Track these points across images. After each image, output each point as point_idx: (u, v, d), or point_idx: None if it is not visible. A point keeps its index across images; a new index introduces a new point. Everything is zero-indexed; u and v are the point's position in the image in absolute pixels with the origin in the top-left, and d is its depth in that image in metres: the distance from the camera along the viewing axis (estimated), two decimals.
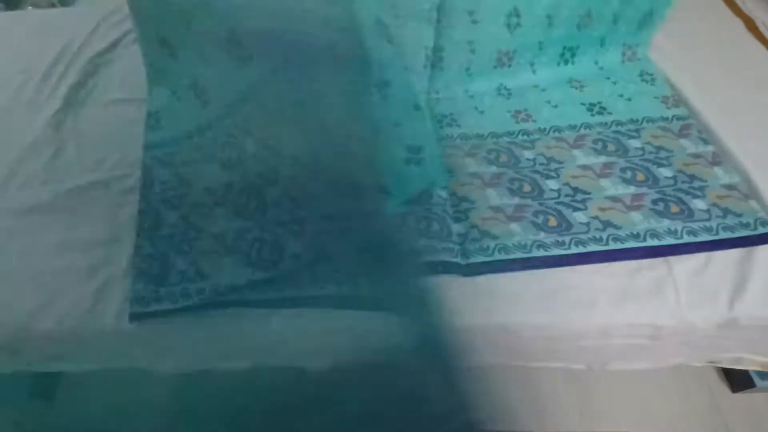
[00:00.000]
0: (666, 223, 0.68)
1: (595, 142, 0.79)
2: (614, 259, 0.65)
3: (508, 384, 1.05)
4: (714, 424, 0.97)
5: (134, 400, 0.99)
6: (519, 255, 0.65)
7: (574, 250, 0.66)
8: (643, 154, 0.77)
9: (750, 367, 0.83)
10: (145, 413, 0.98)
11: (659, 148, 0.77)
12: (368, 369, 0.70)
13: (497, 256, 0.65)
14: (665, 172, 0.74)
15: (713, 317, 0.63)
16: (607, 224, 0.68)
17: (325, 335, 0.66)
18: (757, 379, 0.95)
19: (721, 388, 1.02)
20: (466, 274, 0.64)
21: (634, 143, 0.79)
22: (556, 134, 0.81)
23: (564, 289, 0.64)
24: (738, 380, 1.00)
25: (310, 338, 0.66)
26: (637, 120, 0.82)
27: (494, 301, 0.63)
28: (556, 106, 0.85)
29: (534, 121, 0.83)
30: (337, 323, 0.63)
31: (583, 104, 0.85)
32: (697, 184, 0.72)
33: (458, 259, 0.66)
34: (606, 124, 0.82)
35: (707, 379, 1.03)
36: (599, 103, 0.85)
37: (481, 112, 0.85)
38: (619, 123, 0.82)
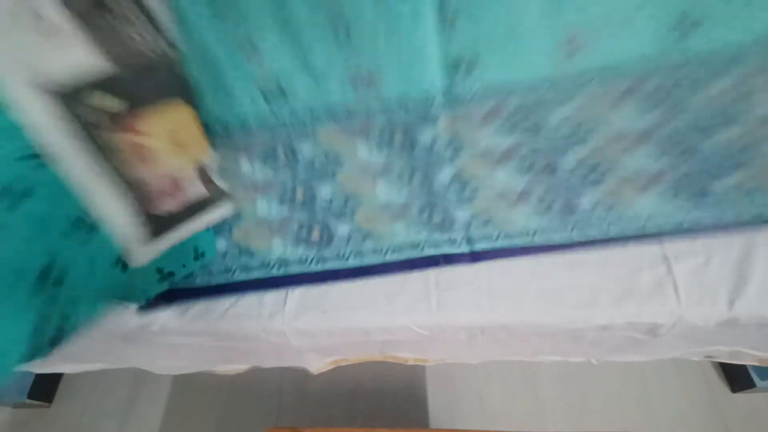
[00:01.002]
0: (671, 207, 0.64)
1: (657, 90, 0.56)
2: (616, 244, 0.64)
3: (508, 383, 1.06)
4: (714, 424, 0.98)
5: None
6: (522, 241, 0.64)
7: (576, 236, 0.64)
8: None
9: (748, 362, 0.82)
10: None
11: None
12: None
13: (501, 243, 0.64)
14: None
15: (713, 316, 0.63)
16: (610, 209, 0.64)
17: None
18: (757, 380, 0.95)
19: (721, 387, 1.02)
20: (468, 262, 0.64)
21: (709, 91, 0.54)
22: (607, 77, 0.57)
23: (564, 288, 0.64)
24: (738, 380, 1.00)
25: None
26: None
27: (494, 301, 0.63)
28: (624, 25, 0.54)
29: (586, 53, 0.57)
30: None
31: (671, 17, 0.52)
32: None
33: (462, 249, 0.64)
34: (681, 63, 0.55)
35: (707, 379, 1.03)
36: (691, 13, 0.52)
37: (519, 40, 0.58)
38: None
